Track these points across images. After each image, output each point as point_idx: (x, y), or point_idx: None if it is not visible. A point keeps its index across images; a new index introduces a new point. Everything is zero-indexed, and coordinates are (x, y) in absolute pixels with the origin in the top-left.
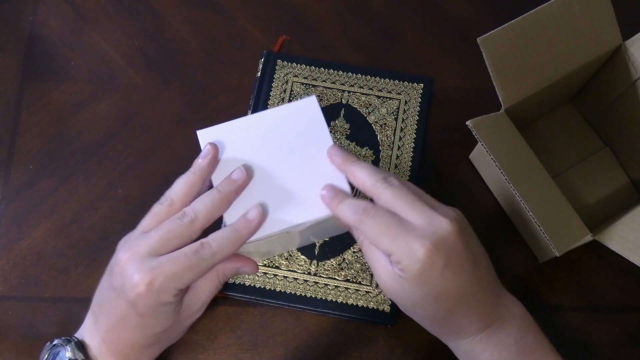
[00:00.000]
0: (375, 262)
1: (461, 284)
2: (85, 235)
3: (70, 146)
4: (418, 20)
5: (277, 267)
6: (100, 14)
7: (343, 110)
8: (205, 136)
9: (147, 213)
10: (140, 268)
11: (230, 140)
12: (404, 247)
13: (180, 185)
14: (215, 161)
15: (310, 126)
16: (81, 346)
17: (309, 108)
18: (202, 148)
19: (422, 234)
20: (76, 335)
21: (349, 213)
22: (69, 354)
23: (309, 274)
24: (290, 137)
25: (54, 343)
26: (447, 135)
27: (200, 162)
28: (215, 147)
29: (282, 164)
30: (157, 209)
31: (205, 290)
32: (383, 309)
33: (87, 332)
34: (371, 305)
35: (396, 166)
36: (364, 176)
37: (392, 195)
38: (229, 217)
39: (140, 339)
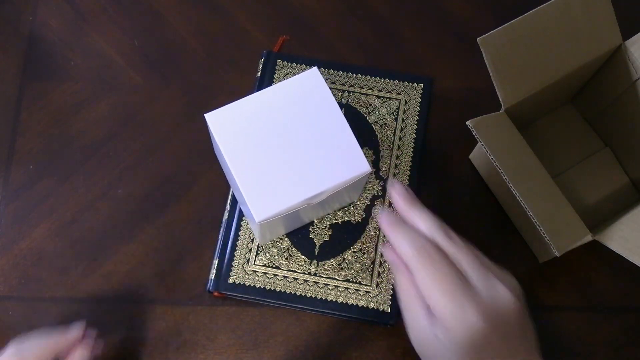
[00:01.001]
0: (410, 303)
1: (511, 356)
2: (85, 235)
3: (70, 146)
4: (418, 20)
5: (277, 267)
6: (100, 14)
7: (343, 110)
8: (214, 119)
9: None
10: None
11: (240, 119)
12: (457, 310)
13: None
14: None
15: (316, 96)
16: None
17: (312, 80)
18: (211, 132)
19: (481, 302)
20: None
21: (405, 245)
22: None
23: (309, 273)
24: (298, 109)
25: None
26: (447, 135)
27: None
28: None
29: (294, 136)
30: None
31: None
32: (383, 309)
33: None
34: (371, 305)
35: (396, 166)
36: (423, 225)
37: (454, 249)
38: (246, 190)
39: None
